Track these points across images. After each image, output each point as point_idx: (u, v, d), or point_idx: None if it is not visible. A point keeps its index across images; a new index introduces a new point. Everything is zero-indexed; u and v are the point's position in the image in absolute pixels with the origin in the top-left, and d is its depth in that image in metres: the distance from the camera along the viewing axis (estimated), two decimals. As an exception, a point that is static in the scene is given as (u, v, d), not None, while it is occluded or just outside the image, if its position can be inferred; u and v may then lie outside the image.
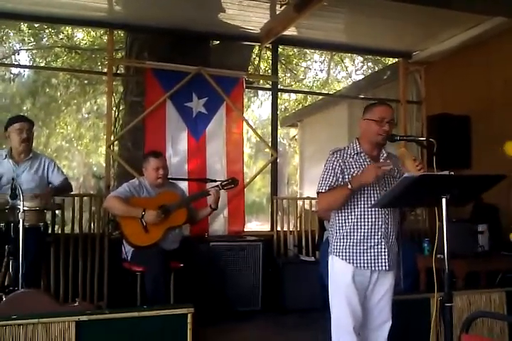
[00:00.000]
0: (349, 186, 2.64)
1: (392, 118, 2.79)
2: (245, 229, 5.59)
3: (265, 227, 5.88)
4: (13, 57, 10.23)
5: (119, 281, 4.40)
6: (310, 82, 12.84)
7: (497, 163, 4.81)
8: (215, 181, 4.68)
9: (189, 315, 2.68)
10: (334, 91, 11.61)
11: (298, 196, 8.28)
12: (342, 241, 2.76)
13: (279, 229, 5.52)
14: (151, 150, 4.61)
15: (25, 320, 2.44)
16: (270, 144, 5.87)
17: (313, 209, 5.50)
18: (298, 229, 5.59)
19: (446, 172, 2.37)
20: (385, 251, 2.72)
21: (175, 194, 4.33)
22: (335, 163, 2.77)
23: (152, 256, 3.91)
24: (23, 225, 3.30)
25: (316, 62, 12.59)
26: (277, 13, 5.08)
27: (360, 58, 11.77)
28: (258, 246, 5.02)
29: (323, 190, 2.76)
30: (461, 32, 5.43)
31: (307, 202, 5.78)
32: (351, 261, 2.72)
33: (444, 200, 2.34)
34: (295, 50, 10.71)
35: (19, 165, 3.95)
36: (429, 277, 2.71)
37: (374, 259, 2.71)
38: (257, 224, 9.46)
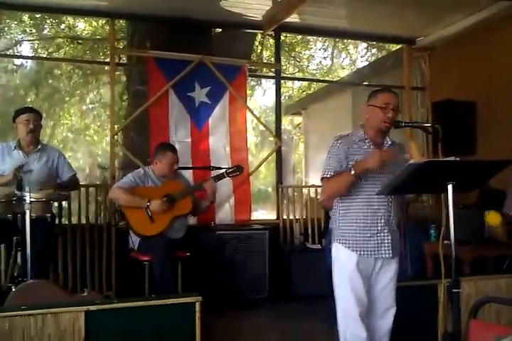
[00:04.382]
0: (352, 172, 2.63)
1: (397, 105, 2.76)
2: (252, 218, 5.60)
3: (271, 216, 5.88)
4: (15, 48, 10.19)
5: (126, 271, 4.42)
6: (314, 69, 12.76)
7: (503, 149, 4.81)
8: (220, 169, 4.66)
9: (197, 304, 2.70)
10: (338, 78, 11.54)
11: (303, 184, 8.28)
12: (345, 229, 2.76)
13: (285, 217, 5.52)
14: (166, 143, 4.60)
15: (35, 310, 2.45)
16: (274, 133, 5.85)
17: (318, 197, 5.50)
18: (304, 217, 5.59)
19: (451, 159, 2.36)
20: (388, 239, 2.72)
21: (179, 183, 4.33)
22: (339, 148, 2.76)
23: (159, 245, 3.92)
24: (30, 216, 3.31)
25: (319, 49, 12.51)
26: (279, -1, 5.05)
27: (364, 45, 11.68)
28: (264, 235, 5.05)
29: (328, 175, 2.74)
30: (465, 17, 5.38)
31: (312, 190, 5.77)
32: (354, 248, 2.72)
33: (450, 187, 2.33)
34: (298, 37, 10.64)
35: (29, 155, 3.98)
36: (436, 263, 2.71)
37: (377, 247, 2.71)
38: (263, 213, 9.45)
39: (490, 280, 3.24)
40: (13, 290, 3.06)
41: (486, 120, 5.46)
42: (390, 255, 2.72)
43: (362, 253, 2.71)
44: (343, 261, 2.76)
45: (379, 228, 2.71)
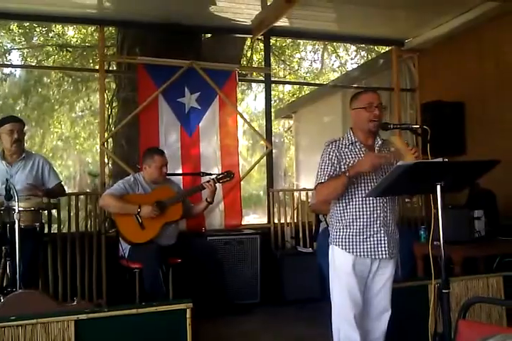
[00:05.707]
0: (346, 174, 2.63)
1: (380, 103, 2.77)
2: (243, 222, 5.59)
3: (263, 220, 5.87)
4: (4, 57, 10.15)
5: (117, 279, 4.39)
6: (304, 72, 12.79)
7: (492, 149, 4.83)
8: (211, 175, 4.67)
9: (188, 310, 2.69)
10: (328, 81, 11.57)
11: (295, 187, 8.27)
12: (342, 231, 2.77)
13: (276, 221, 5.51)
14: (153, 147, 4.61)
15: (24, 321, 2.43)
16: (265, 136, 5.84)
17: (309, 200, 5.49)
18: (295, 221, 5.58)
19: (439, 159, 2.36)
20: (384, 240, 2.72)
21: (170, 189, 4.33)
22: (331, 153, 2.77)
23: (149, 252, 3.91)
24: (19, 226, 3.28)
25: (309, 52, 12.55)
26: (268, 4, 5.06)
27: (354, 47, 11.72)
28: (255, 239, 5.03)
29: (322, 181, 2.74)
30: (453, 18, 5.40)
31: (303, 193, 5.77)
32: (351, 250, 2.73)
33: (438, 187, 2.33)
34: (288, 41, 10.67)
35: (12, 165, 3.94)
36: (427, 264, 2.71)
37: (373, 248, 2.72)
38: (254, 217, 9.44)
39: (480, 280, 3.25)
40: (2, 300, 3.03)
41: (474, 120, 5.48)
42: (387, 256, 2.72)
43: (358, 254, 2.72)
44: (340, 262, 2.76)
45: (375, 229, 2.72)
